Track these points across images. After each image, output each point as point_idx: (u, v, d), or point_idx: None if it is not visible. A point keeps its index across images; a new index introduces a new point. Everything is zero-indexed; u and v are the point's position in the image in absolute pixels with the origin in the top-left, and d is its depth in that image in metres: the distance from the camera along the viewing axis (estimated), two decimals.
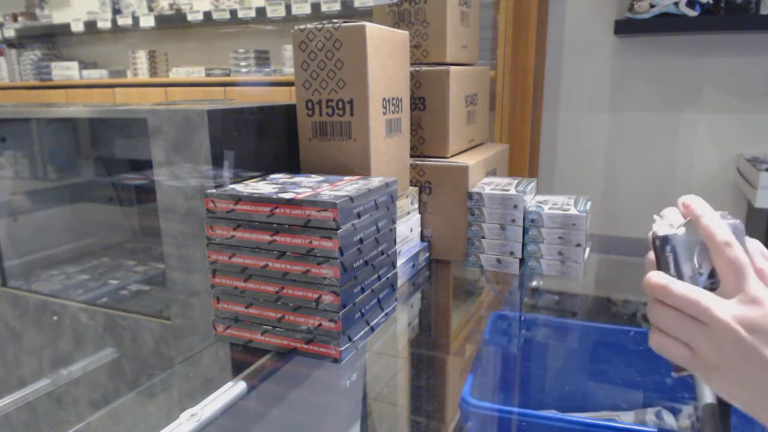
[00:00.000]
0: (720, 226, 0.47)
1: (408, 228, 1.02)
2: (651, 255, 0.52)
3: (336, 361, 0.68)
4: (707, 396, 0.57)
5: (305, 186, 0.73)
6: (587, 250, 1.02)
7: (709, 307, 0.45)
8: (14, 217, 1.31)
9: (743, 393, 0.45)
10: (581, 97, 2.23)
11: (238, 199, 0.69)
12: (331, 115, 0.87)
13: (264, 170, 0.88)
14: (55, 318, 1.13)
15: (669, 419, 0.84)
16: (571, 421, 0.69)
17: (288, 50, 3.07)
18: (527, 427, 0.70)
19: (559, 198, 1.07)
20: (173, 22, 3.36)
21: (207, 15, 3.18)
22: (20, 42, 3.94)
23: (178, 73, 3.36)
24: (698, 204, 0.49)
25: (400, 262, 0.94)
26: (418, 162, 1.07)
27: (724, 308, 0.44)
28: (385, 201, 0.77)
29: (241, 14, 3.06)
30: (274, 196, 0.67)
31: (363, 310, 0.73)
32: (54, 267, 1.34)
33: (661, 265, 0.50)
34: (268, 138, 0.90)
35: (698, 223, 0.48)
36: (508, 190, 1.01)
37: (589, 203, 1.03)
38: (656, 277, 0.48)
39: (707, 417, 0.55)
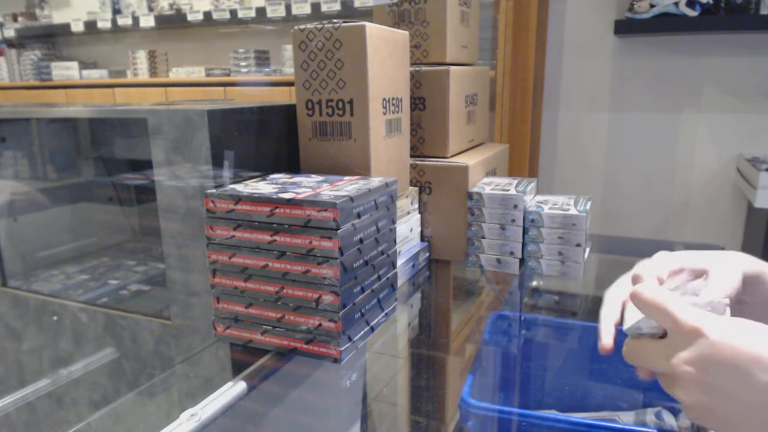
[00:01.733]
0: (638, 276, 0.48)
1: (408, 228, 1.02)
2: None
3: (336, 361, 0.68)
4: None
5: (305, 186, 0.73)
6: (587, 250, 1.02)
7: (657, 361, 0.44)
8: (14, 217, 1.31)
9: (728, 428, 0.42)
10: (581, 97, 2.23)
11: (238, 199, 0.69)
12: (331, 115, 0.87)
13: (264, 170, 0.88)
14: (55, 318, 1.13)
15: (669, 419, 0.84)
16: (571, 422, 0.69)
17: (288, 50, 3.07)
18: (527, 428, 0.70)
19: (559, 198, 1.07)
20: (173, 22, 3.36)
21: (207, 15, 3.18)
22: (20, 42, 3.94)
23: (178, 73, 3.36)
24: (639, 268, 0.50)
25: (400, 262, 0.94)
26: (418, 162, 1.07)
27: (677, 357, 0.42)
28: (385, 201, 0.77)
29: (241, 14, 3.06)
30: (274, 196, 0.67)
31: (363, 310, 0.73)
32: (54, 267, 1.34)
33: None
34: (268, 138, 0.90)
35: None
36: (508, 190, 1.01)
37: (589, 203, 1.03)
38: (623, 346, 0.49)
39: None
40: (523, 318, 1.04)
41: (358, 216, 0.70)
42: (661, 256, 0.52)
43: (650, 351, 0.45)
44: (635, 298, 0.45)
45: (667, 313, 0.43)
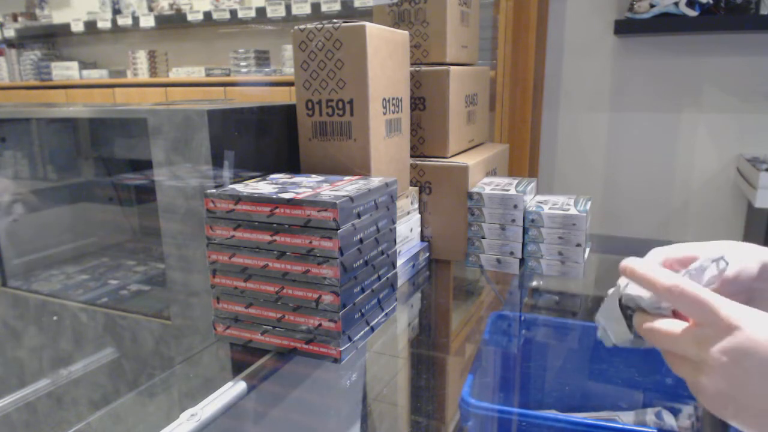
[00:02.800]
0: (658, 272, 0.46)
1: (408, 228, 1.02)
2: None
3: (336, 361, 0.68)
4: None
5: (305, 186, 0.73)
6: (587, 250, 1.02)
7: (683, 345, 0.43)
8: (14, 217, 1.31)
9: (748, 419, 0.42)
10: (581, 97, 2.23)
11: (238, 199, 0.69)
12: (331, 115, 0.87)
13: (264, 170, 0.88)
14: (55, 318, 1.13)
15: (669, 419, 0.85)
16: (571, 422, 0.69)
17: (288, 50, 3.07)
18: (527, 428, 0.70)
19: (559, 198, 1.07)
20: (173, 22, 3.35)
21: (207, 15, 3.18)
22: (20, 42, 3.94)
23: (178, 73, 3.36)
24: (631, 261, 0.48)
25: (400, 262, 0.94)
26: (418, 162, 1.07)
27: (709, 345, 0.42)
28: (385, 201, 0.77)
29: (241, 14, 3.06)
30: (274, 196, 0.67)
31: (363, 310, 0.73)
32: (54, 267, 1.34)
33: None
34: (268, 138, 0.90)
35: (635, 276, 0.47)
36: (508, 190, 1.01)
37: (589, 203, 1.03)
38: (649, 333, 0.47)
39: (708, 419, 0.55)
40: (523, 318, 1.04)
41: (358, 216, 0.70)
42: (673, 248, 0.52)
43: (675, 333, 0.45)
44: (667, 292, 0.44)
45: (703, 304, 0.43)
